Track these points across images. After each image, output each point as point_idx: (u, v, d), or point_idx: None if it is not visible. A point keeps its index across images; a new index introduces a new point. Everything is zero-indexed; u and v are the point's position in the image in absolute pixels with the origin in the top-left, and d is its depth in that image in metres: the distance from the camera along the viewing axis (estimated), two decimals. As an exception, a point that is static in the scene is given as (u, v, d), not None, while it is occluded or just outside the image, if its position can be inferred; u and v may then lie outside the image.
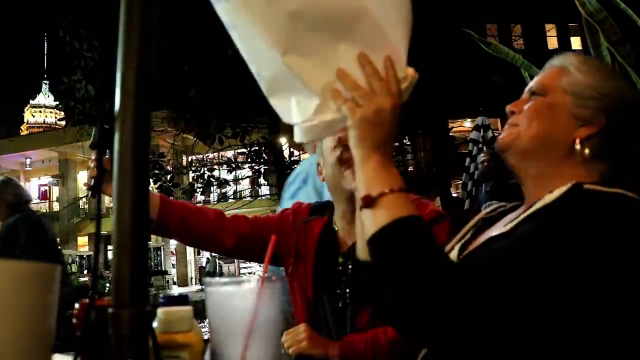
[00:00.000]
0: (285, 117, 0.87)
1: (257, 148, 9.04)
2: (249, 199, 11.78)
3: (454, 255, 0.99)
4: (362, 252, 0.95)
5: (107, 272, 13.14)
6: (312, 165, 2.02)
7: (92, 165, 1.34)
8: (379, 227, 0.81)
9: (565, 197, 0.84)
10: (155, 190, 7.67)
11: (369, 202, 0.83)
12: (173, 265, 21.02)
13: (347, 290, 1.42)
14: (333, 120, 0.85)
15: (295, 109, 0.85)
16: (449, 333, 0.75)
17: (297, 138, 0.88)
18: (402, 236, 0.80)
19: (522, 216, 0.87)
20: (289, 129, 0.92)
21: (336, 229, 1.51)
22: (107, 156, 1.06)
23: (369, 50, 0.83)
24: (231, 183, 10.89)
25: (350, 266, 1.44)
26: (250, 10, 0.78)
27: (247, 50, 0.82)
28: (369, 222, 0.83)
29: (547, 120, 0.95)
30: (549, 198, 0.85)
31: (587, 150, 0.92)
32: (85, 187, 1.31)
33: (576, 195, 0.84)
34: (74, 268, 20.04)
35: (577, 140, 0.92)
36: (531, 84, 1.01)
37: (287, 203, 2.17)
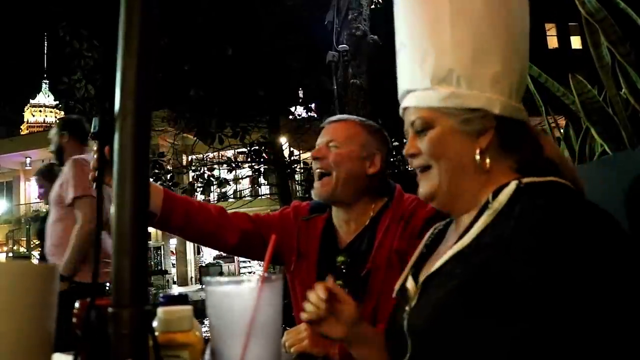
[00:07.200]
0: (404, 81, 0.98)
1: (257, 147, 9.03)
2: (249, 198, 11.77)
3: (410, 283, 0.97)
4: None
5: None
6: None
7: (94, 156, 1.36)
8: None
9: (516, 195, 0.85)
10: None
11: None
12: (173, 264, 20.98)
13: (347, 289, 1.42)
14: (454, 93, 0.91)
15: (418, 75, 0.94)
16: None
17: (409, 102, 0.96)
18: None
19: (477, 225, 0.86)
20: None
21: (336, 226, 1.52)
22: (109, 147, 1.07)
23: None
24: (231, 182, 10.86)
25: (349, 262, 1.45)
26: None
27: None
28: None
29: (451, 148, 0.93)
30: (499, 203, 0.86)
31: (487, 160, 0.92)
32: (90, 179, 1.32)
33: (524, 191, 0.85)
34: (74, 267, 19.99)
35: (477, 152, 0.92)
36: (410, 126, 0.97)
37: None
